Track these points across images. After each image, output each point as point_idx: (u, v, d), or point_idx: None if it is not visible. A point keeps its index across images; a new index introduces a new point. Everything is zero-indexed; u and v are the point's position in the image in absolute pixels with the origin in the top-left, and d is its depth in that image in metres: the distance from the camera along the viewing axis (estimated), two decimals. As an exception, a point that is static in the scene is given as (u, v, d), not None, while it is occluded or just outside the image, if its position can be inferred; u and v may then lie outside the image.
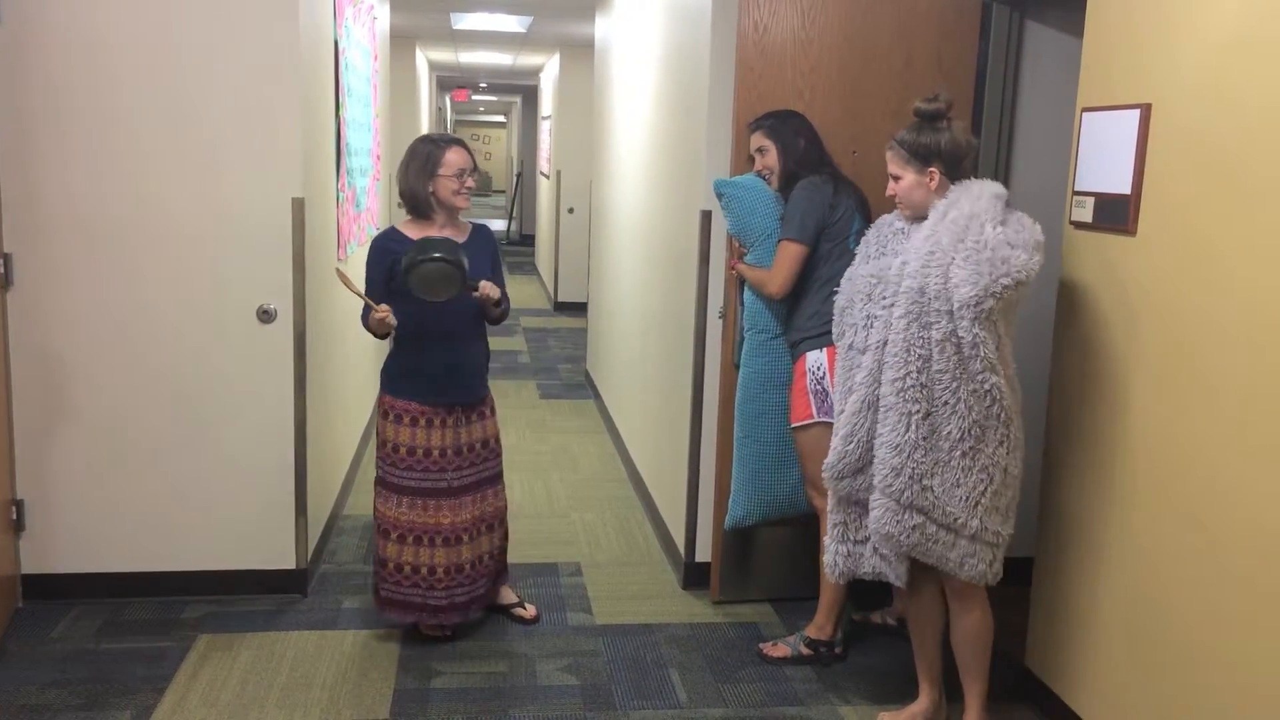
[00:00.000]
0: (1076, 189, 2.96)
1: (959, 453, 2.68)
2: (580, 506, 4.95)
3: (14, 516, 3.57)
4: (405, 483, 3.34)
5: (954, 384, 2.65)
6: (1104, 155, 2.83)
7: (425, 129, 12.39)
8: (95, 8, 3.40)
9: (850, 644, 3.53)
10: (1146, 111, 2.67)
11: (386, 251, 3.27)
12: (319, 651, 3.41)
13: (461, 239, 3.35)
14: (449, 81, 16.70)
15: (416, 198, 3.31)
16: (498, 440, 3.53)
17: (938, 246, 2.65)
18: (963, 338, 2.61)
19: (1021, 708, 3.18)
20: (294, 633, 3.53)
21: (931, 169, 2.79)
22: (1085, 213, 2.91)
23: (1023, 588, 3.26)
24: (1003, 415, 2.67)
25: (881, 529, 2.79)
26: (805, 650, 3.43)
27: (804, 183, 3.32)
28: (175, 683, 3.19)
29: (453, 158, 3.28)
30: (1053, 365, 3.08)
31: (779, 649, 3.46)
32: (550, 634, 3.61)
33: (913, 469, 2.71)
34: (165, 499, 3.67)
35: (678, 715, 3.13)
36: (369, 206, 5.59)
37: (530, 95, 17.15)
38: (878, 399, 2.78)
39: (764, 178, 3.43)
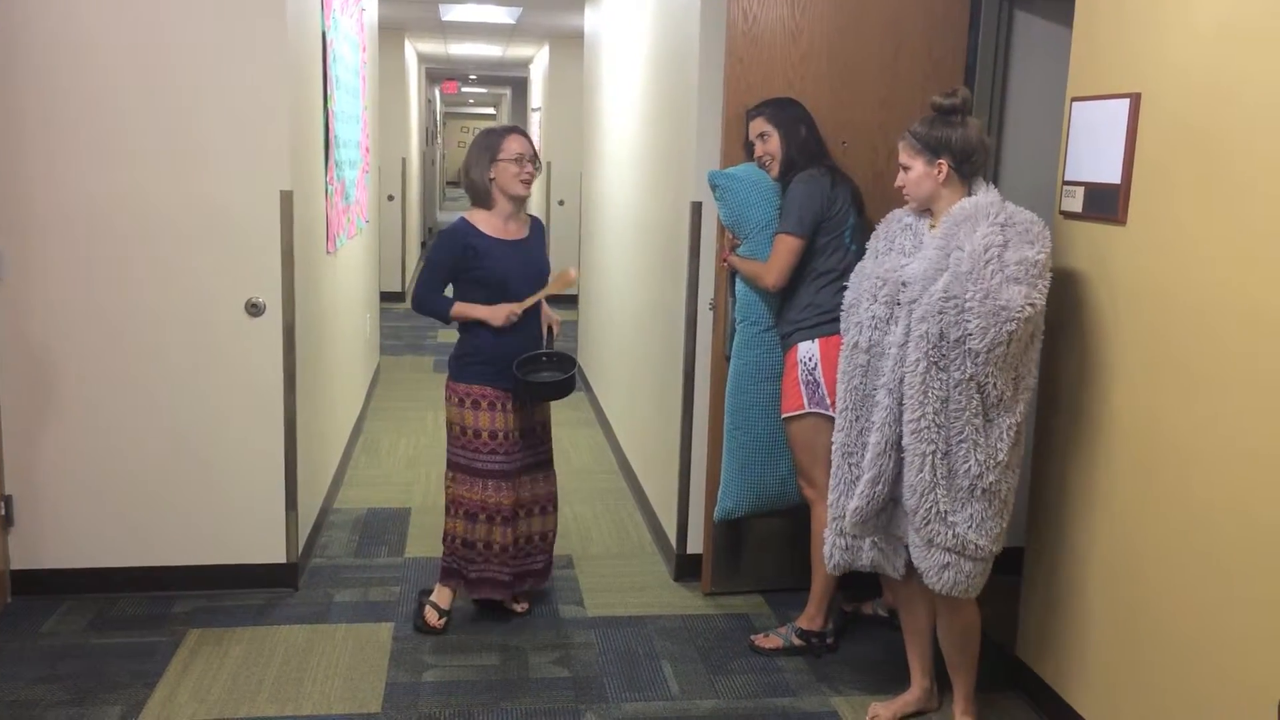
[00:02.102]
0: (1066, 179, 2.96)
1: (980, 489, 2.69)
2: (571, 499, 4.94)
3: (2, 512, 3.55)
4: (490, 466, 3.41)
5: (974, 420, 2.66)
6: (1094, 145, 2.83)
7: (415, 121, 12.36)
8: (83, 3, 3.37)
9: (841, 634, 3.53)
10: (1136, 101, 2.67)
11: (459, 242, 3.33)
12: (310, 646, 3.41)
13: (522, 234, 3.45)
14: (438, 73, 16.64)
15: (477, 187, 3.37)
16: (550, 424, 3.62)
17: (950, 293, 2.63)
18: (983, 383, 2.64)
19: (1012, 697, 3.19)
20: (285, 627, 3.52)
21: (940, 160, 2.78)
22: (1075, 203, 2.91)
23: (1013, 577, 3.27)
24: (1012, 445, 2.70)
25: (916, 563, 2.82)
26: (797, 641, 3.44)
27: (802, 175, 3.31)
28: (165, 678, 3.18)
29: (512, 144, 3.34)
30: (1042, 355, 3.08)
31: (771, 640, 3.46)
32: (542, 626, 3.61)
33: (929, 507, 2.72)
34: (155, 494, 3.66)
35: (670, 707, 3.13)
36: (358, 199, 5.56)
37: (520, 87, 17.11)
38: (898, 438, 2.79)
39: (764, 164, 3.42)
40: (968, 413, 2.65)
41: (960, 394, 2.65)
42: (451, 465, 3.48)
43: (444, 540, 3.55)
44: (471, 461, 3.42)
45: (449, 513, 3.49)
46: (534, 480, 3.55)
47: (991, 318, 2.59)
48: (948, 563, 2.74)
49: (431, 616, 3.51)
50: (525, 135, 3.40)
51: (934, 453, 2.68)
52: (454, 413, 3.44)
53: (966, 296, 2.61)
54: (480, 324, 3.37)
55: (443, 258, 3.36)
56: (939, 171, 2.79)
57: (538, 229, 3.54)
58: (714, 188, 3.48)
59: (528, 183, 3.37)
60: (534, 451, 3.54)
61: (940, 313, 2.64)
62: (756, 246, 3.41)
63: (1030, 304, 2.60)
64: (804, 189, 3.27)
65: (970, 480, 2.69)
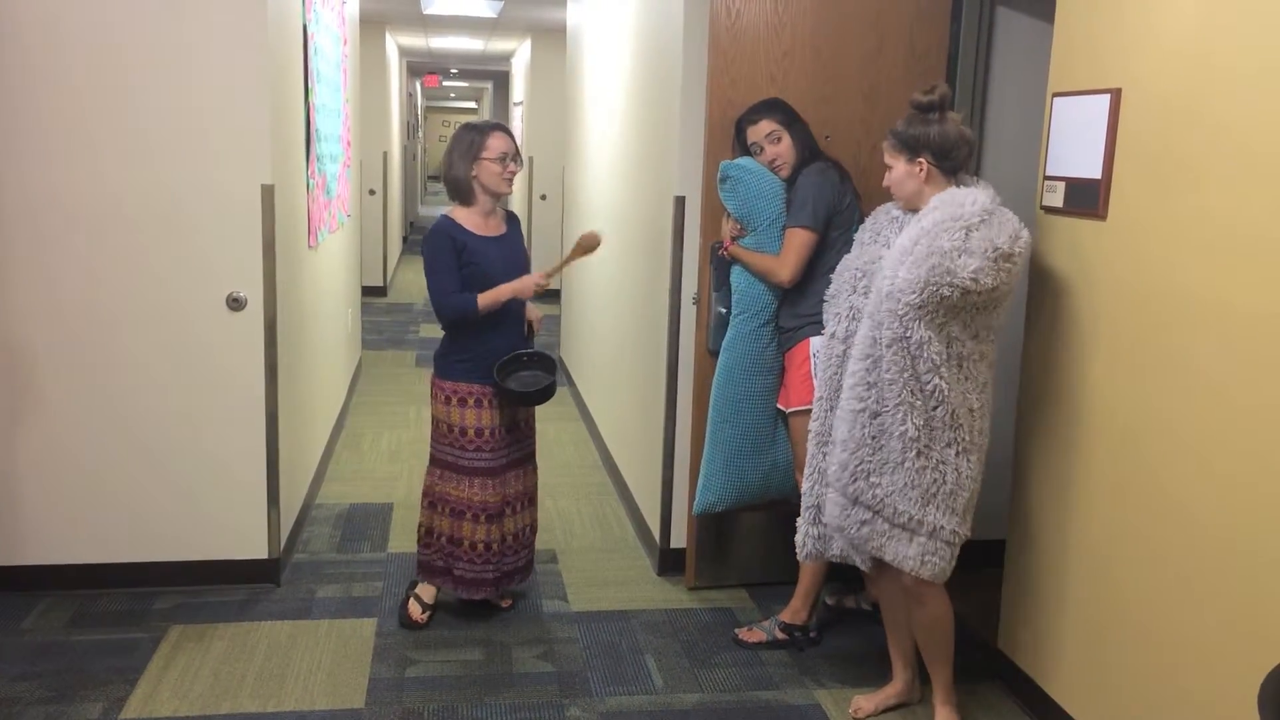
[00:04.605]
0: (1047, 174, 2.97)
1: (912, 453, 2.71)
2: (555, 494, 4.94)
3: (-20, 508, 3.53)
4: (476, 464, 3.40)
5: (906, 383, 2.67)
6: (1075, 140, 2.84)
7: (396, 115, 12.31)
8: (58, -9, 3.35)
9: (825, 628, 3.54)
10: (1116, 96, 2.68)
11: (451, 240, 3.32)
12: (292, 641, 3.39)
13: (501, 229, 3.44)
14: (420, 67, 16.57)
15: (459, 183, 3.36)
16: (534, 418, 3.62)
17: (904, 252, 2.66)
18: (909, 338, 2.65)
19: (992, 687, 3.21)
20: (267, 623, 3.51)
21: (920, 159, 2.79)
22: (1056, 197, 2.93)
23: (995, 570, 3.29)
24: (949, 418, 2.69)
25: (832, 521, 2.86)
26: (780, 635, 3.45)
27: (812, 169, 3.29)
28: (147, 674, 3.16)
29: (495, 142, 3.33)
30: (1023, 349, 3.10)
31: (754, 634, 3.47)
32: (526, 621, 3.61)
33: (857, 464, 2.75)
34: (135, 489, 3.64)
35: (654, 701, 3.13)
36: (340, 193, 5.54)
37: (502, 81, 17.05)
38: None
39: (775, 167, 3.38)
40: (901, 373, 2.67)
41: (890, 354, 2.67)
42: (437, 463, 3.46)
43: (420, 534, 3.54)
44: (458, 459, 3.41)
45: (435, 509, 3.47)
46: (517, 475, 3.55)
47: (927, 271, 2.59)
48: (865, 519, 2.78)
49: (415, 611, 3.51)
50: (508, 132, 3.39)
51: (864, 411, 2.73)
52: (440, 410, 3.43)
53: (914, 251, 2.63)
54: (468, 321, 3.34)
55: (445, 258, 3.31)
56: (920, 170, 2.80)
57: (514, 224, 3.53)
58: (724, 179, 3.43)
59: (510, 181, 3.37)
60: (519, 446, 3.54)
61: (891, 274, 2.67)
62: (764, 240, 3.39)
63: (974, 279, 2.59)
64: (815, 183, 3.26)
65: (904, 443, 2.70)
